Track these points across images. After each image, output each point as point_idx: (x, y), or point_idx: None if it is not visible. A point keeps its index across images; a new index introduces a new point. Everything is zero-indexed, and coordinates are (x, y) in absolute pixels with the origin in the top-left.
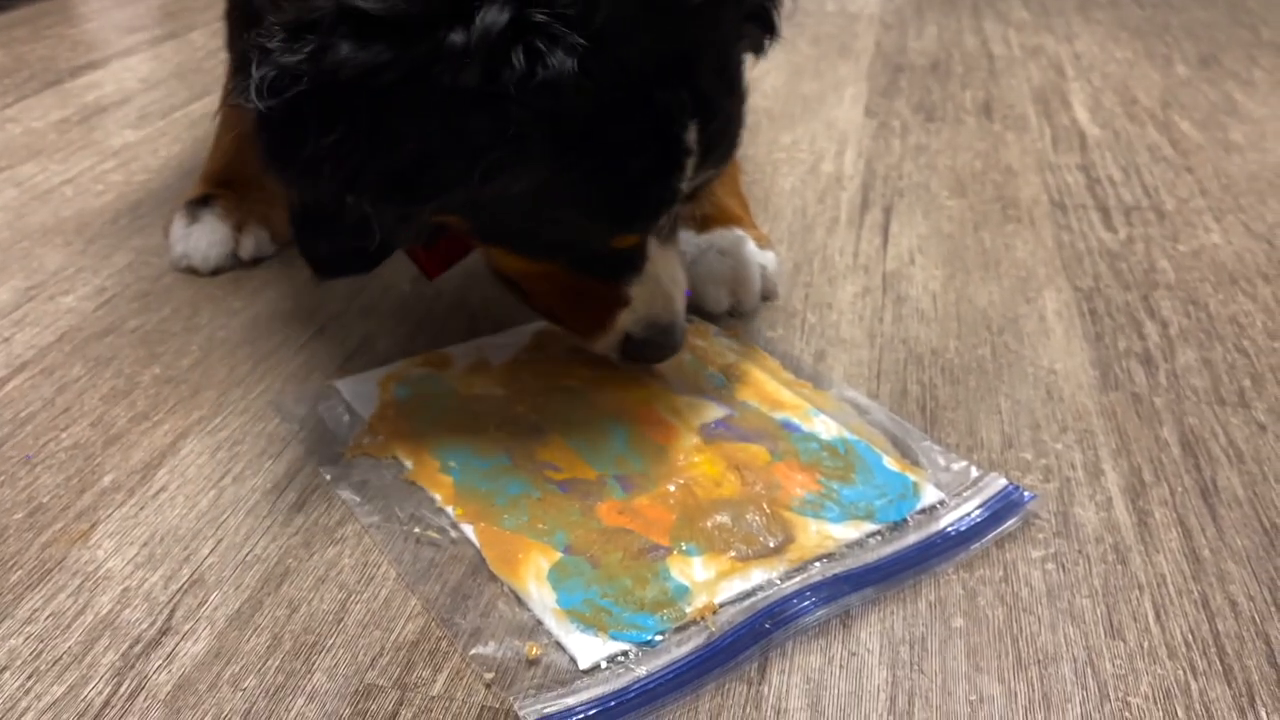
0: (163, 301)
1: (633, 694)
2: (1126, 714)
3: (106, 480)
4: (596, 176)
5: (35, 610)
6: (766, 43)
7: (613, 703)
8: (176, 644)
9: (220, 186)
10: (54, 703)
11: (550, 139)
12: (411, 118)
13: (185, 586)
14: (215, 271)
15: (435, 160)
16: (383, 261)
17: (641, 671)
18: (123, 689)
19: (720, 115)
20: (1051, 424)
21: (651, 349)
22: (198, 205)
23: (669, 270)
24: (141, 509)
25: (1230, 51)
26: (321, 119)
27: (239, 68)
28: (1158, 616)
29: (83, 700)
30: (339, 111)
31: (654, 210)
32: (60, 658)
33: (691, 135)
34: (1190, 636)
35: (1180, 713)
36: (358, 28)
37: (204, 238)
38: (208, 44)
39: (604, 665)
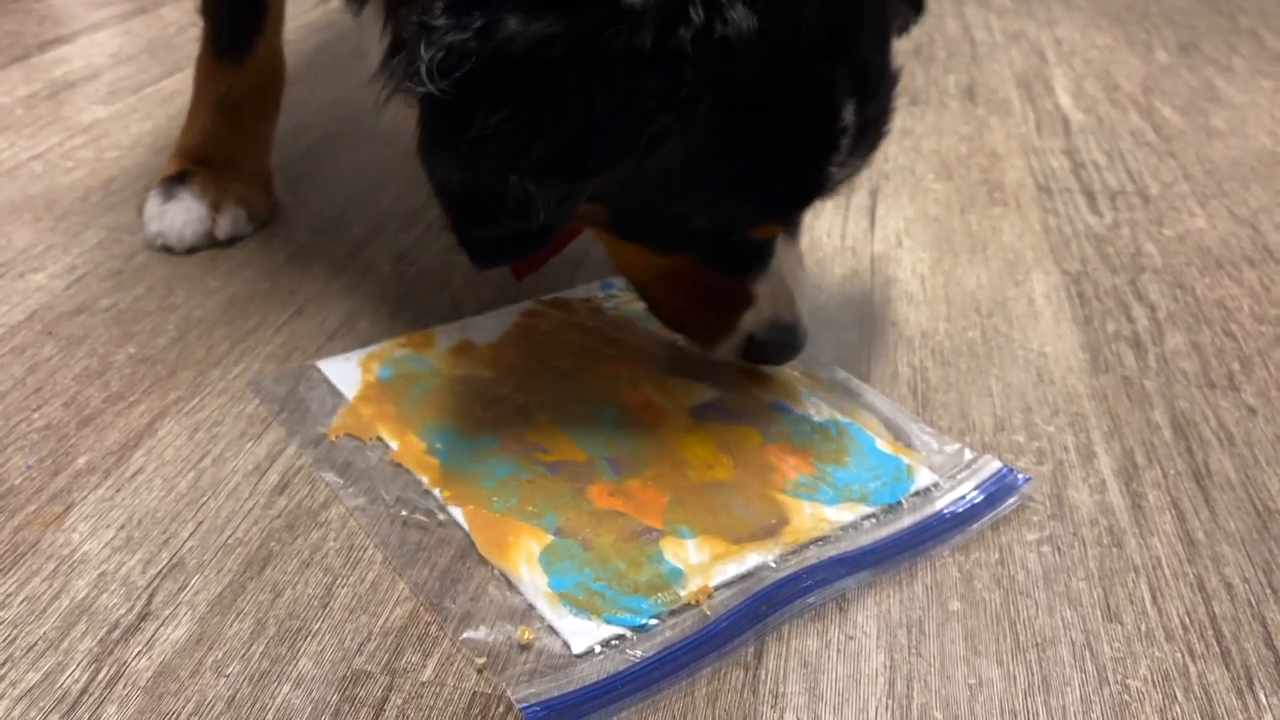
0: (136, 280)
1: (627, 679)
2: (1126, 697)
3: (81, 462)
4: (755, 150)
5: (9, 595)
6: (913, 21)
7: (607, 688)
8: (156, 629)
9: (196, 163)
10: (29, 690)
11: (718, 104)
12: (580, 88)
13: (165, 570)
14: (191, 250)
15: (603, 130)
16: (542, 247)
17: (636, 656)
18: (101, 675)
19: (879, 96)
20: (1043, 407)
21: (774, 350)
22: (173, 182)
23: (793, 267)
24: (118, 491)
25: (1209, 38)
26: (490, 97)
27: (394, 49)
28: (1154, 599)
29: (59, 687)
30: (507, 88)
31: (805, 194)
32: (35, 644)
33: (849, 113)
34: (1187, 619)
35: (1179, 695)
36: (520, 1)
37: (180, 216)
38: (179, 19)
39: (598, 649)
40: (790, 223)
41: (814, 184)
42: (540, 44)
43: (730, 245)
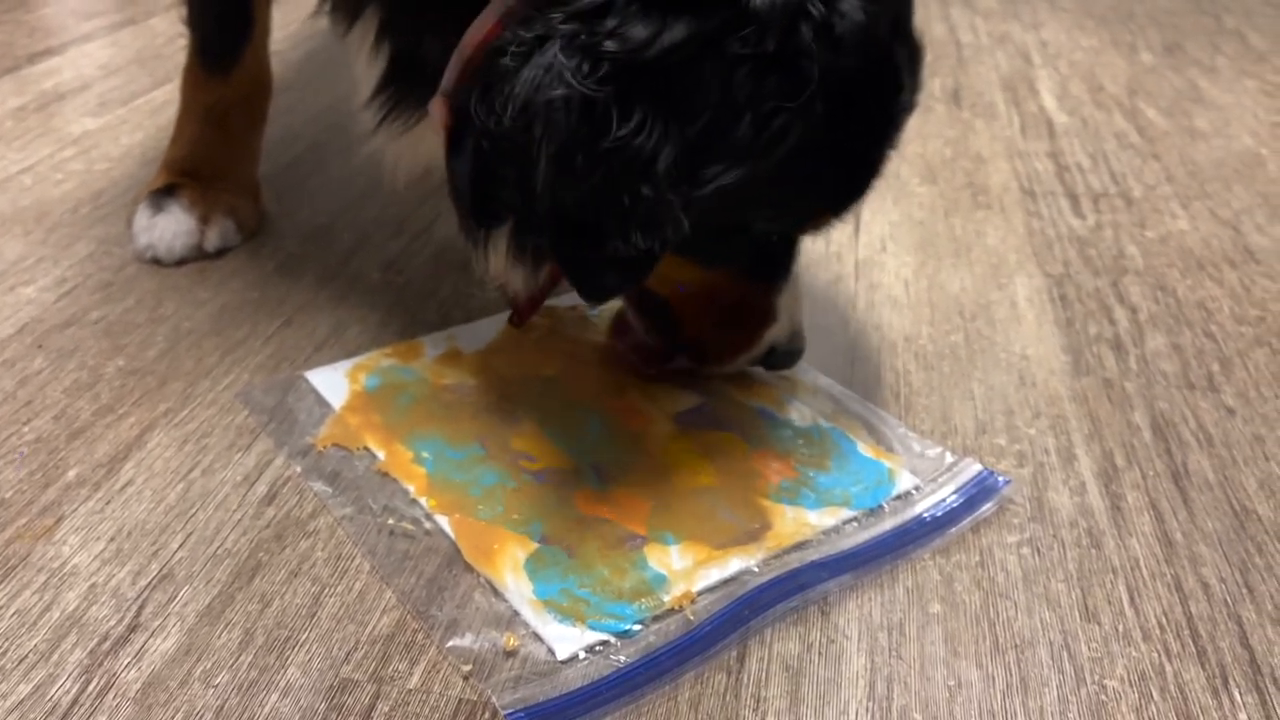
0: (126, 292)
1: (612, 684)
2: (1103, 697)
3: (71, 474)
4: (839, 142)
5: (0, 608)
6: None
7: (592, 693)
8: (146, 640)
9: (184, 175)
10: (20, 702)
11: (828, 97)
12: (708, 93)
13: (154, 582)
14: (180, 262)
15: (726, 134)
16: (651, 268)
17: (620, 661)
18: (91, 687)
19: (920, 75)
20: (1024, 409)
21: (790, 358)
22: (162, 195)
23: (797, 276)
24: (108, 503)
25: (1194, 39)
26: (624, 105)
27: (391, 74)
28: (1132, 600)
29: (50, 699)
30: (640, 94)
31: (865, 180)
32: (26, 656)
33: (907, 94)
34: (1164, 619)
35: (1155, 695)
36: (647, 6)
37: (169, 229)
38: (168, 30)
39: (582, 655)
40: (845, 213)
41: (874, 170)
42: (672, 50)
43: (770, 251)
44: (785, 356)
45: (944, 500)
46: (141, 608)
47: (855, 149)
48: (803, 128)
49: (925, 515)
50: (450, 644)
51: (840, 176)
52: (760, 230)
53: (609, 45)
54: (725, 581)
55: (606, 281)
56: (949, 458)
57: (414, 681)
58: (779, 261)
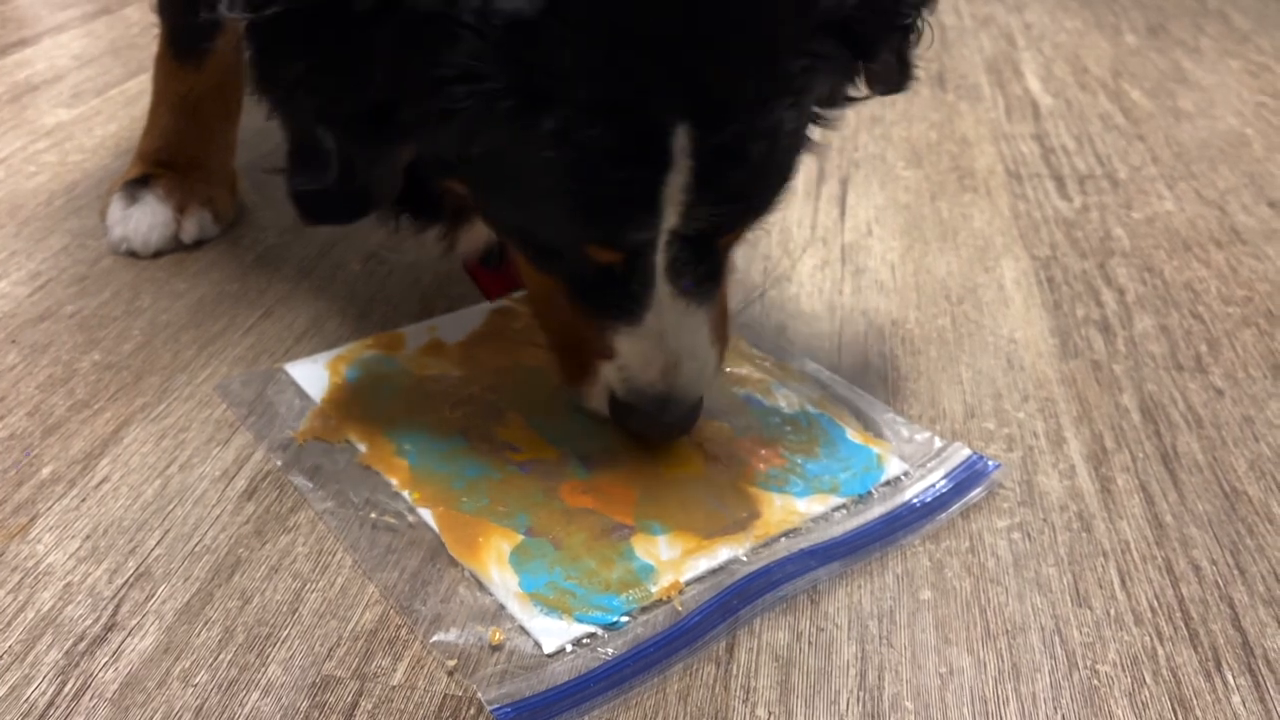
0: (101, 285)
1: (599, 677)
2: (1095, 682)
3: (45, 472)
4: (565, 150)
5: None
6: (859, 74)
7: (579, 687)
8: (123, 640)
9: (159, 166)
10: None
11: (519, 90)
12: (384, 49)
13: (131, 580)
14: (156, 254)
15: (408, 97)
16: (368, 213)
17: (608, 654)
18: (67, 688)
19: (734, 133)
20: (1013, 393)
21: (639, 419)
22: (136, 185)
23: (685, 335)
24: (83, 501)
25: (1177, 20)
26: (302, 43)
27: None
28: (1123, 583)
29: (25, 701)
30: (315, 37)
31: (624, 216)
32: (0, 658)
33: (680, 142)
34: (1155, 602)
35: (1148, 679)
36: None
37: (144, 220)
38: (142, 19)
39: (569, 649)
40: (619, 248)
41: (636, 208)
42: (339, 1)
43: (594, 279)
44: (633, 415)
45: (933, 485)
46: (118, 606)
47: (601, 168)
48: (487, 112)
49: (915, 501)
50: (435, 639)
51: (589, 192)
52: (543, 240)
53: None
54: (714, 571)
55: (318, 211)
56: (938, 443)
57: (398, 678)
58: (619, 300)
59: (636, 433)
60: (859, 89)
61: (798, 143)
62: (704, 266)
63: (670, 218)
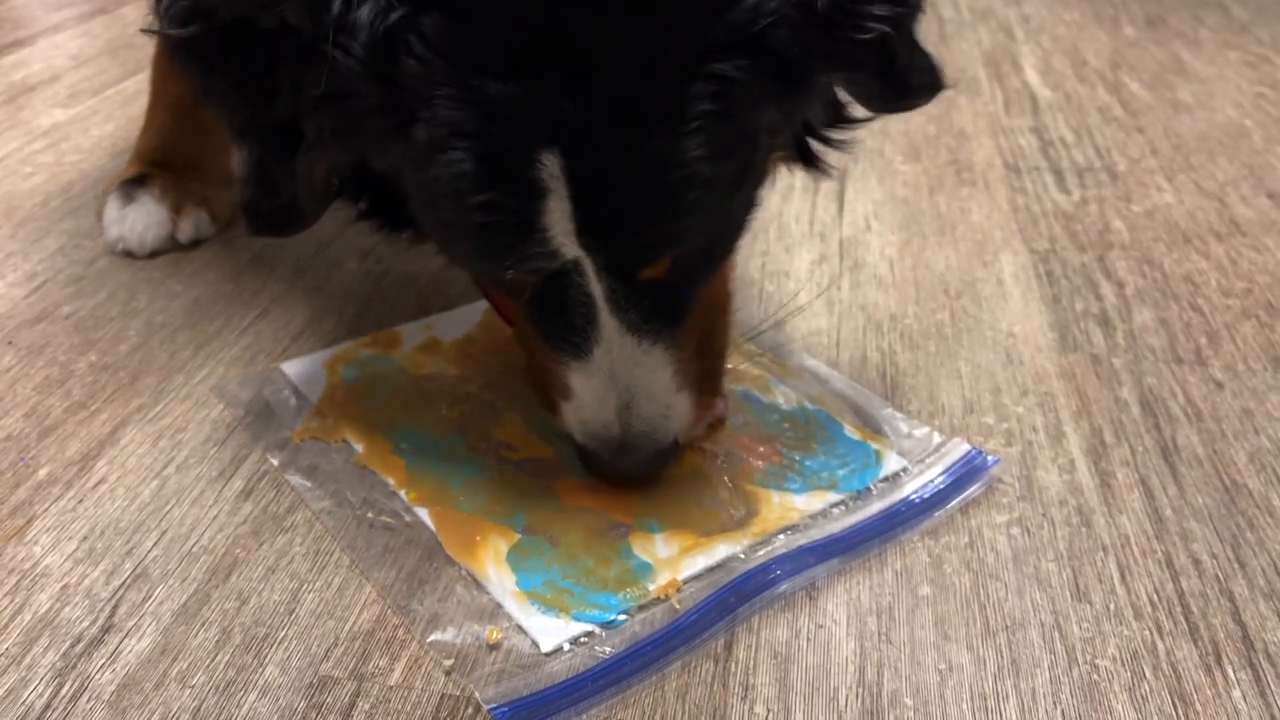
0: (98, 286)
1: (597, 676)
2: (1095, 676)
3: (42, 473)
4: (440, 169)
5: None
6: (785, 101)
7: (576, 685)
8: (120, 642)
9: (155, 165)
10: None
11: (390, 108)
12: (286, 67)
13: (128, 581)
14: (152, 254)
15: (308, 114)
16: (301, 225)
17: (605, 652)
18: (64, 690)
19: (605, 160)
20: (1012, 387)
21: (597, 465)
22: (133, 185)
23: (639, 374)
24: (80, 502)
25: (1176, 12)
26: (222, 60)
27: None
28: (1123, 578)
29: (22, 703)
30: (227, 56)
31: (505, 243)
32: None
33: (550, 169)
34: (1155, 596)
35: (1148, 673)
36: None
37: (140, 220)
38: (139, 19)
39: (567, 647)
40: (519, 272)
41: (507, 232)
42: (244, 20)
43: (542, 306)
44: (592, 459)
45: (932, 481)
46: (115, 608)
47: (471, 192)
48: (359, 130)
49: (913, 497)
50: (432, 638)
51: (468, 215)
52: (459, 260)
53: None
54: (711, 569)
55: (261, 221)
56: (936, 438)
57: (395, 678)
58: (574, 330)
59: (601, 477)
60: (854, 108)
61: (723, 171)
62: (647, 302)
63: (567, 246)
